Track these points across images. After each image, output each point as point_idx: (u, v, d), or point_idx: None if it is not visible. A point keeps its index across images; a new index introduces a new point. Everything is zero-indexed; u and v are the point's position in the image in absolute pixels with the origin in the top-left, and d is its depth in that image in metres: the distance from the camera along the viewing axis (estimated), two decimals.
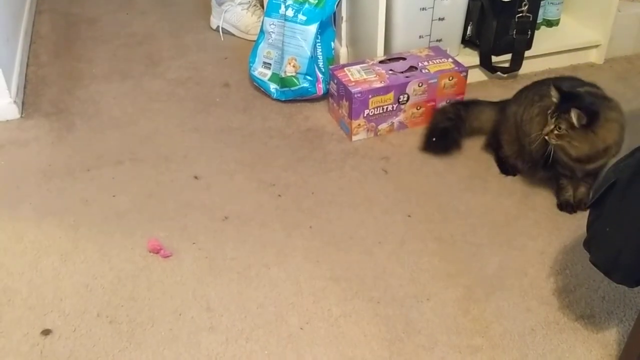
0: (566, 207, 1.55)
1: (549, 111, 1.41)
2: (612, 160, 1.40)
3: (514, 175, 1.66)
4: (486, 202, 1.58)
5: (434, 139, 1.74)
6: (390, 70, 1.80)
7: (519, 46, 1.99)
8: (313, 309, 1.30)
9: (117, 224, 1.52)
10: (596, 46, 2.14)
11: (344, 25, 2.04)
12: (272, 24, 1.95)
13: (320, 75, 1.92)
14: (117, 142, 1.81)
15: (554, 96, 1.41)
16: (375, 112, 1.77)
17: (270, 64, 1.97)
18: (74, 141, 1.82)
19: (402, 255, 1.43)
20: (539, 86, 1.57)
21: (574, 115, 1.35)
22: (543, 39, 2.09)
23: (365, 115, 1.76)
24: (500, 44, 1.97)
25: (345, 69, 1.82)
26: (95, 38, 2.37)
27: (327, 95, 1.92)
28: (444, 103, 1.84)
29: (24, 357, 1.20)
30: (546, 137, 1.42)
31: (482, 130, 1.76)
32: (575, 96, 1.41)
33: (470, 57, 2.01)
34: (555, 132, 1.39)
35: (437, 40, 1.94)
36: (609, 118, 1.39)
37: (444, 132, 1.74)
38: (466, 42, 2.03)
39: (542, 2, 2.00)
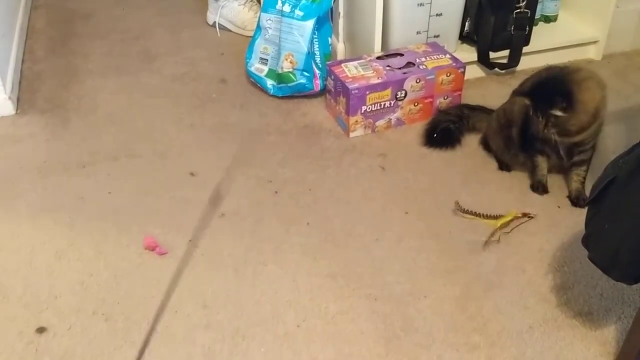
0: (538, 188, 1.56)
1: (531, 113, 1.43)
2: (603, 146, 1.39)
3: (509, 171, 1.66)
4: (484, 199, 1.57)
5: (435, 135, 1.74)
6: (388, 66, 1.79)
7: (517, 42, 1.98)
8: (310, 307, 1.29)
9: (113, 221, 1.51)
10: (594, 42, 2.13)
11: (341, 21, 2.03)
12: (269, 19, 1.94)
13: (317, 71, 1.91)
14: (113, 138, 1.80)
15: (524, 102, 1.44)
16: (373, 109, 1.76)
17: (267, 60, 1.96)
18: (69, 137, 1.80)
19: (399, 252, 1.42)
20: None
21: (556, 109, 1.37)
22: (541, 35, 2.08)
23: (362, 111, 1.75)
24: (498, 40, 1.96)
25: (342, 65, 1.81)
26: (91, 33, 2.36)
27: (324, 91, 1.91)
28: (441, 99, 1.83)
29: (19, 356, 1.19)
30: (550, 135, 1.42)
31: (482, 130, 1.77)
32: (540, 88, 1.42)
33: (468, 53, 2.00)
34: (550, 124, 1.40)
35: (434, 36, 1.93)
36: (579, 79, 1.40)
37: (446, 129, 1.75)
38: (464, 38, 2.02)
39: None
